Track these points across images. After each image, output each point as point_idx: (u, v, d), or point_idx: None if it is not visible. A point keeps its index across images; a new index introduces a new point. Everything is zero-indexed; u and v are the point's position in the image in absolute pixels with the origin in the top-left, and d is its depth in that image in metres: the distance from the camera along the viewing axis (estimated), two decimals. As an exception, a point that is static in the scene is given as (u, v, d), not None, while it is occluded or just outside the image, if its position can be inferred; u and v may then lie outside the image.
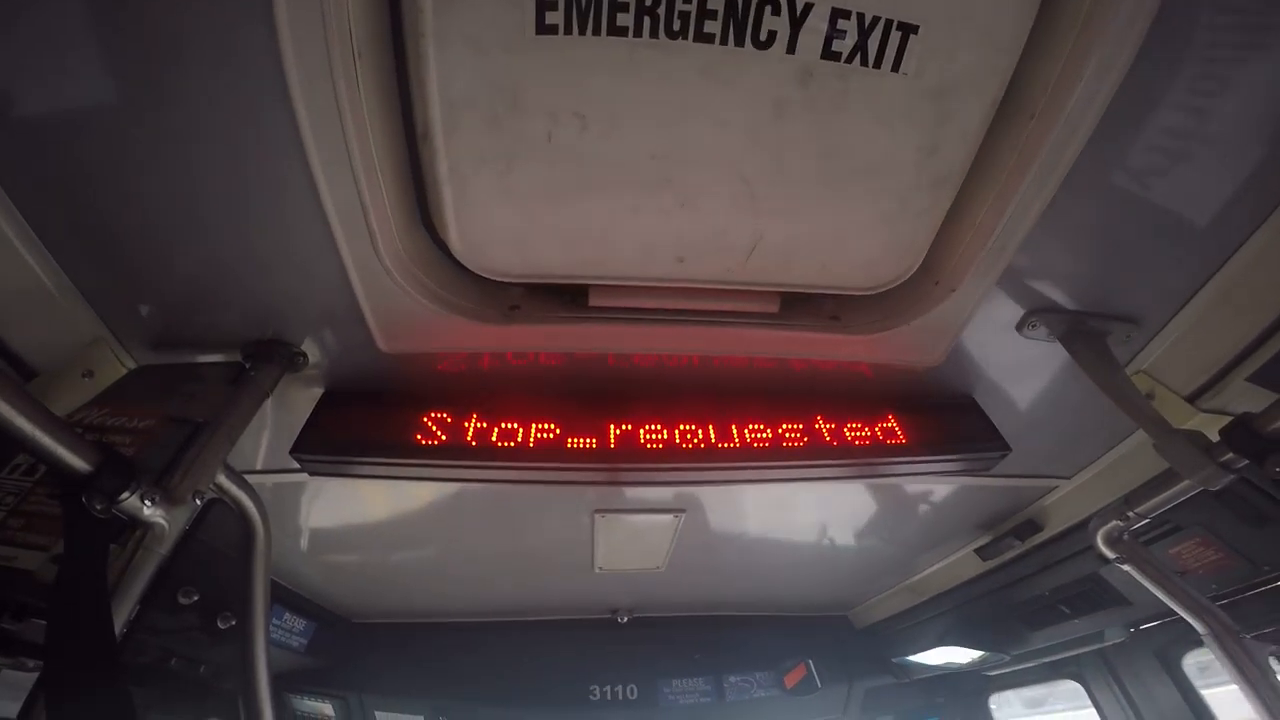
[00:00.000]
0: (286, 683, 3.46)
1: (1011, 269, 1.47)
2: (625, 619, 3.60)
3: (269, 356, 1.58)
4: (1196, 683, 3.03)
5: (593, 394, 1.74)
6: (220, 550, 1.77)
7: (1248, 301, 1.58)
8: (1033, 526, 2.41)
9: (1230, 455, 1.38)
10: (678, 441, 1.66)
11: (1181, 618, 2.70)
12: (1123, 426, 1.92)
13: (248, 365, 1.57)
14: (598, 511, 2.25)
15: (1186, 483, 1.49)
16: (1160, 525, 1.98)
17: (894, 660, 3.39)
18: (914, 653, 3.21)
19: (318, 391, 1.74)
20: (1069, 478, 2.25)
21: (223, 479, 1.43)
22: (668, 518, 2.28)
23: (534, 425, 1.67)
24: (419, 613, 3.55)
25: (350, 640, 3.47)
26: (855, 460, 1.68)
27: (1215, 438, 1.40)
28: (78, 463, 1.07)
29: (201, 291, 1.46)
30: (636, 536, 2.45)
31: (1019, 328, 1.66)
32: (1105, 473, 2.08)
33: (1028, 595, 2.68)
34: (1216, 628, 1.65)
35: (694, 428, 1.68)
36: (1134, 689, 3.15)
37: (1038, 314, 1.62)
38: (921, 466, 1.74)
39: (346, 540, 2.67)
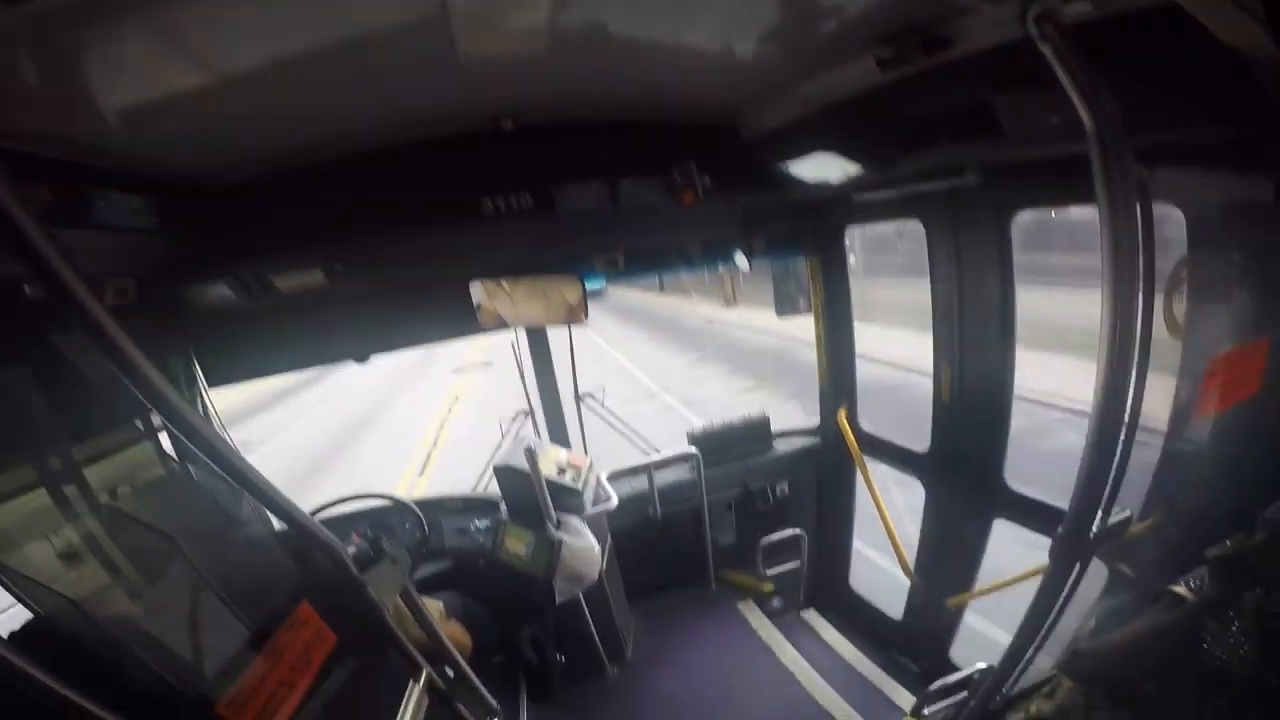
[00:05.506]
0: (175, 277, 3.19)
1: None
2: (510, 125, 3.19)
3: None
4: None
5: None
6: None
7: None
8: (942, 43, 2.19)
9: None
10: None
11: (1026, 175, 2.89)
12: None
13: None
14: None
15: None
16: None
17: (774, 166, 3.56)
18: (795, 158, 3.38)
19: None
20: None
21: None
22: None
23: None
24: (278, 155, 2.99)
25: (215, 208, 2.99)
26: None
27: None
28: None
29: None
30: None
31: None
32: None
33: (913, 113, 2.70)
34: (1105, 128, 1.57)
35: None
36: (965, 236, 3.62)
37: None
38: None
39: (166, 86, 2.01)
